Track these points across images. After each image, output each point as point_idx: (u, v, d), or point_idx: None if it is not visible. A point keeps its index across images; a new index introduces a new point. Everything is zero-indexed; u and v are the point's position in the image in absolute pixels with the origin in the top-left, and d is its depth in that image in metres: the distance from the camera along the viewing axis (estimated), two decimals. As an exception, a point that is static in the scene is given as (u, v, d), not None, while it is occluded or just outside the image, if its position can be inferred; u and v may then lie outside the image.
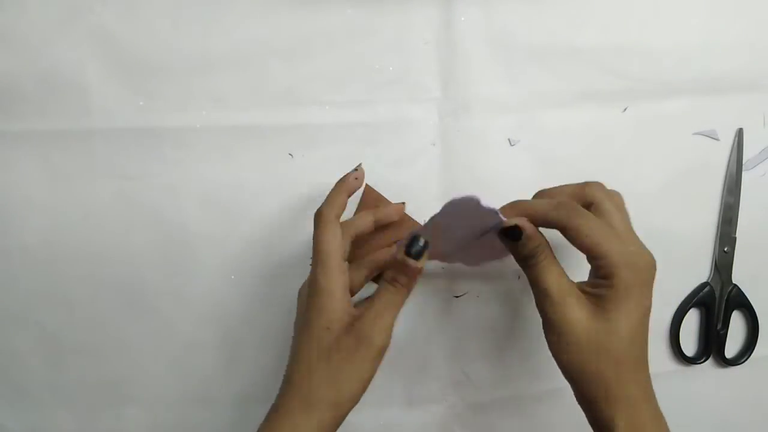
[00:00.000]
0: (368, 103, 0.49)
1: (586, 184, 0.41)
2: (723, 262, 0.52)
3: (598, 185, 0.41)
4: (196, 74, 0.48)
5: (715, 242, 0.52)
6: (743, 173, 0.52)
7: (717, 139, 0.52)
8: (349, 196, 0.43)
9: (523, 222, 0.38)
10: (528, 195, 0.50)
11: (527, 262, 0.39)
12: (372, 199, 0.48)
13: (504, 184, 0.50)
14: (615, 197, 0.41)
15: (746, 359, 0.53)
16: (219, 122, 0.49)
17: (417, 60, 0.49)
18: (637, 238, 0.39)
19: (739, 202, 0.52)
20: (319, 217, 0.41)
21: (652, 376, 0.49)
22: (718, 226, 0.52)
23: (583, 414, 0.52)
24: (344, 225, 0.43)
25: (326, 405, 0.38)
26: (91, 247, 0.49)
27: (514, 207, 0.40)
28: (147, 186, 0.49)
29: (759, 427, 0.55)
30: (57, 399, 0.51)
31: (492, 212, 0.38)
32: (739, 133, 0.52)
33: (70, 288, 0.50)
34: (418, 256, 0.38)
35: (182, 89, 0.48)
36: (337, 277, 0.39)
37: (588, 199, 0.40)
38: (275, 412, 0.39)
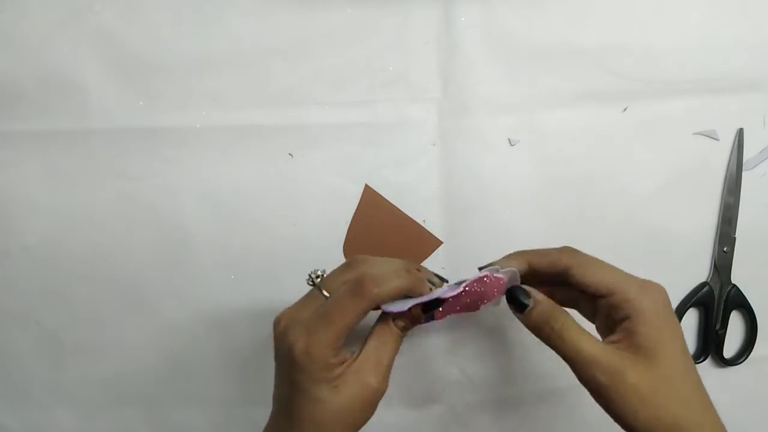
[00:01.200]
0: (368, 103, 0.49)
1: (560, 249, 0.39)
2: (722, 262, 0.52)
3: (572, 249, 0.39)
4: (196, 74, 0.48)
5: (715, 242, 0.52)
6: (743, 173, 0.52)
7: (717, 139, 0.52)
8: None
9: (530, 288, 0.37)
10: (528, 195, 0.50)
11: (545, 332, 0.37)
12: (371, 199, 0.48)
13: (504, 184, 0.50)
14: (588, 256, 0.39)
15: (745, 359, 0.53)
16: (219, 122, 0.49)
17: (417, 60, 0.49)
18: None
19: (739, 202, 0.52)
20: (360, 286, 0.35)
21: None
22: (717, 226, 0.52)
23: (582, 414, 0.53)
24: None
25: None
26: (91, 247, 0.49)
27: (518, 256, 0.39)
28: (147, 186, 0.49)
29: (758, 426, 0.55)
30: (57, 399, 0.51)
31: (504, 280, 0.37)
32: (739, 133, 0.52)
33: (70, 288, 0.50)
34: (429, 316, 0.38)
35: (182, 89, 0.48)
36: (334, 348, 0.35)
37: (564, 262, 0.38)
38: None
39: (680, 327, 0.37)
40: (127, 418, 0.51)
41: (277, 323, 0.36)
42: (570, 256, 0.37)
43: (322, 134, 0.49)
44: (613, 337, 0.36)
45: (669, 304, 0.36)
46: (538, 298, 0.37)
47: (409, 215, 0.47)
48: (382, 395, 0.37)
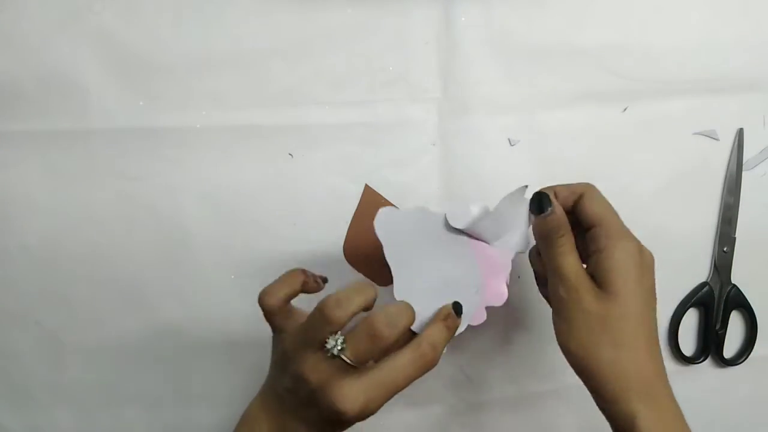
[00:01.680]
0: (368, 103, 0.49)
1: (579, 183, 0.41)
2: (722, 262, 0.52)
3: (593, 186, 0.41)
4: (196, 74, 0.48)
5: (715, 242, 0.52)
6: (743, 173, 0.52)
7: (717, 139, 0.52)
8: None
9: (553, 195, 0.39)
10: (528, 195, 0.50)
11: (549, 241, 0.39)
12: (371, 199, 0.48)
13: (504, 184, 0.50)
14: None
15: (745, 359, 0.53)
16: (219, 122, 0.49)
17: (417, 60, 0.49)
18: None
19: (739, 202, 0.52)
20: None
21: (651, 376, 0.49)
22: (717, 226, 0.52)
23: (582, 414, 0.53)
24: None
25: None
26: (91, 247, 0.49)
27: (547, 188, 0.41)
28: (147, 186, 0.49)
29: (757, 426, 0.55)
30: (57, 399, 0.51)
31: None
32: (739, 133, 0.52)
33: (70, 288, 0.50)
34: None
35: (182, 89, 0.48)
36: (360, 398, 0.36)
37: (581, 189, 0.40)
38: None
39: (651, 281, 0.38)
40: (127, 418, 0.51)
41: (316, 382, 0.35)
42: (589, 188, 0.40)
43: (322, 134, 0.49)
44: (587, 267, 0.39)
45: (646, 258, 0.38)
46: (557, 206, 0.39)
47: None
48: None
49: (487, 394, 0.52)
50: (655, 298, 0.38)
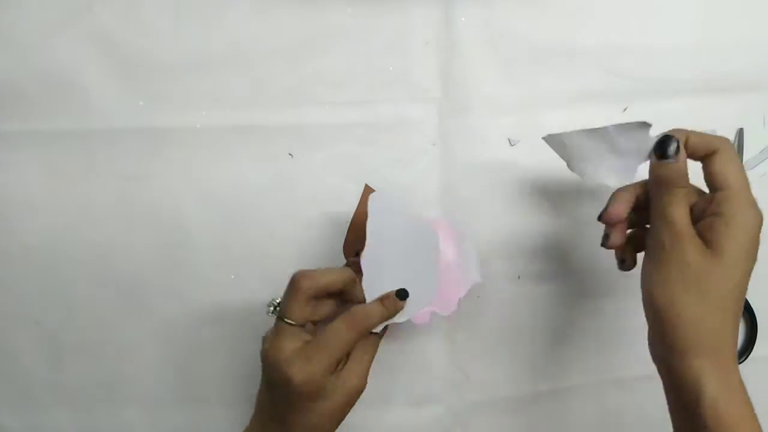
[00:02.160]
0: (368, 103, 0.49)
1: (715, 136, 0.40)
2: (722, 262, 0.52)
3: (730, 143, 0.40)
4: (196, 74, 0.48)
5: (715, 242, 0.52)
6: (743, 173, 0.52)
7: (717, 139, 0.52)
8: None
9: (683, 142, 0.38)
10: (528, 195, 0.50)
11: (665, 188, 0.37)
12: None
13: (504, 184, 0.50)
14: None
15: (745, 359, 0.53)
16: (219, 122, 0.49)
17: (417, 60, 0.49)
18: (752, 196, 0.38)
19: (739, 202, 0.52)
20: (293, 291, 0.40)
21: (650, 377, 0.49)
22: (717, 226, 0.52)
23: (582, 414, 0.53)
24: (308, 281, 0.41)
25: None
26: (91, 247, 0.49)
27: (680, 131, 0.40)
28: (147, 186, 0.49)
29: (758, 426, 0.55)
30: (57, 399, 0.51)
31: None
32: (739, 133, 0.52)
33: (70, 288, 0.50)
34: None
35: (182, 89, 0.48)
36: (305, 367, 0.38)
37: (715, 146, 0.39)
38: None
39: (757, 252, 0.37)
40: (127, 418, 0.51)
41: (265, 356, 0.39)
42: (724, 144, 0.38)
43: (322, 134, 0.49)
44: (698, 225, 0.37)
45: (758, 235, 0.37)
46: (682, 156, 0.38)
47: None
48: (363, 389, 0.40)
49: (487, 394, 0.52)
50: (754, 266, 0.37)
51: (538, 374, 0.52)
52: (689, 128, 0.39)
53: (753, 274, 0.52)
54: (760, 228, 0.37)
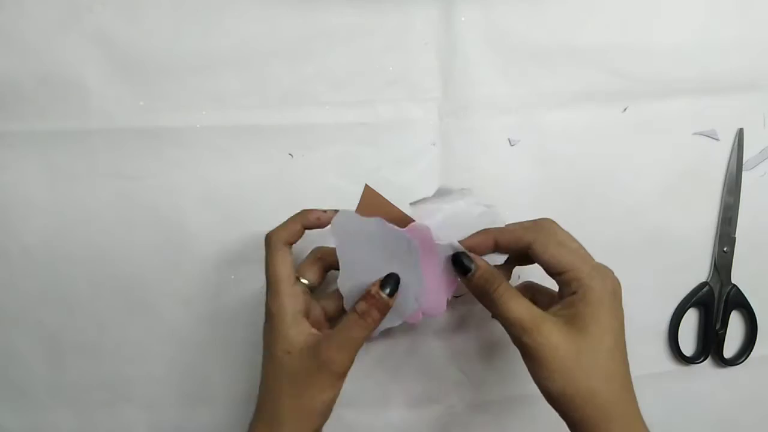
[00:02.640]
0: (368, 103, 0.49)
1: (536, 221, 0.41)
2: (722, 262, 0.52)
3: (547, 220, 0.40)
4: (196, 74, 0.48)
5: (715, 242, 0.52)
6: (743, 173, 0.52)
7: (717, 139, 0.52)
8: (306, 229, 0.42)
9: (473, 254, 0.40)
10: (528, 195, 0.51)
11: (486, 297, 0.38)
12: (372, 199, 0.48)
13: (504, 184, 0.50)
14: (562, 229, 0.40)
15: (745, 359, 0.53)
16: (219, 122, 0.49)
17: (417, 60, 0.49)
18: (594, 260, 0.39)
19: (739, 202, 0.52)
20: (267, 240, 0.41)
21: (650, 376, 0.49)
22: (717, 226, 0.52)
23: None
24: (320, 250, 0.44)
25: (292, 424, 0.38)
26: (91, 247, 0.49)
27: (486, 231, 0.41)
28: (147, 186, 0.49)
29: (757, 426, 0.55)
30: (57, 399, 0.51)
31: (445, 246, 0.40)
32: (739, 133, 0.52)
33: (70, 288, 0.50)
34: (392, 294, 0.39)
35: (182, 89, 0.48)
36: (286, 301, 0.39)
37: (526, 239, 0.39)
38: None
39: (622, 314, 0.38)
40: (127, 418, 0.51)
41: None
42: (533, 233, 0.39)
43: (322, 134, 0.49)
44: (554, 308, 0.38)
45: (618, 290, 0.38)
46: (479, 263, 0.39)
47: (409, 215, 0.47)
48: (341, 375, 0.39)
49: (487, 394, 0.52)
50: (624, 325, 0.38)
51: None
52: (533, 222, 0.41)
53: (753, 275, 0.52)
54: (617, 285, 0.38)
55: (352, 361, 0.39)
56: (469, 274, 0.39)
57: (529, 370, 0.38)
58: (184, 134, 0.49)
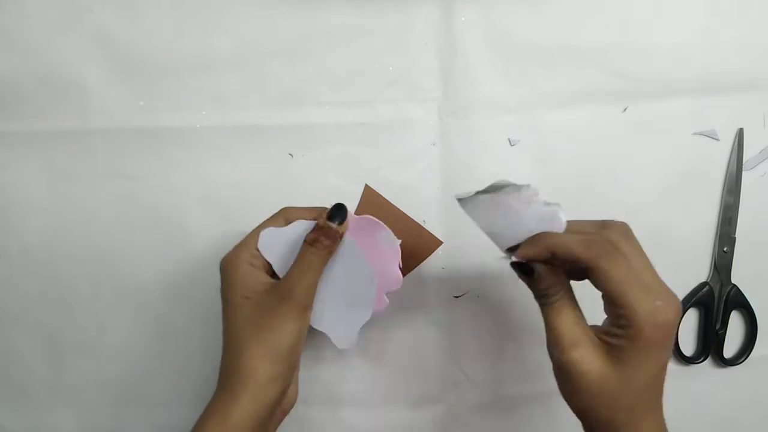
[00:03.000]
0: (368, 103, 0.49)
1: (604, 223, 0.38)
2: (722, 262, 0.52)
3: (618, 226, 0.37)
4: (196, 74, 0.48)
5: (715, 242, 0.52)
6: (743, 173, 0.52)
7: (717, 139, 0.52)
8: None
9: (538, 258, 0.37)
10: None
11: (540, 301, 0.38)
12: (372, 199, 0.48)
13: (504, 184, 0.50)
14: (633, 240, 0.37)
15: (745, 359, 0.53)
16: (219, 122, 0.49)
17: (417, 60, 0.49)
18: (662, 283, 0.35)
19: (739, 202, 0.52)
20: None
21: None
22: (717, 226, 0.52)
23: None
24: (285, 212, 0.43)
25: (258, 366, 0.37)
26: (91, 247, 0.49)
27: (543, 239, 0.37)
28: (147, 186, 0.49)
29: (757, 426, 0.55)
30: (57, 399, 0.51)
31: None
32: (739, 133, 0.52)
33: (70, 288, 0.50)
34: (340, 222, 0.40)
35: (182, 89, 0.48)
36: (245, 254, 0.40)
37: (586, 261, 0.35)
38: (213, 395, 0.38)
39: (671, 343, 0.36)
40: (127, 418, 0.51)
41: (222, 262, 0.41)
42: (596, 250, 0.35)
43: (322, 134, 0.49)
44: (600, 328, 0.36)
45: (673, 326, 0.34)
46: (540, 270, 0.37)
47: (409, 215, 0.47)
48: (302, 306, 0.38)
49: (487, 394, 0.52)
50: (668, 361, 0.36)
51: (538, 374, 0.52)
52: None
53: (753, 275, 0.52)
54: (674, 317, 0.34)
55: (313, 290, 0.39)
56: (530, 278, 0.37)
57: (557, 383, 0.37)
58: (184, 134, 0.49)
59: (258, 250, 0.41)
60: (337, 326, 0.42)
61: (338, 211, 0.40)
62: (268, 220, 0.42)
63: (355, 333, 0.42)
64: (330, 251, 0.40)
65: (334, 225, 0.39)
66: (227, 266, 0.40)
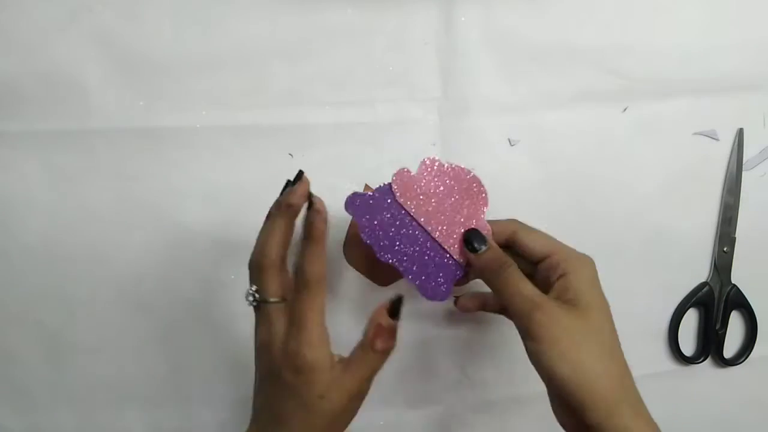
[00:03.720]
0: (368, 103, 0.49)
1: (506, 220, 0.42)
2: (722, 262, 0.52)
3: (516, 220, 0.42)
4: (196, 74, 0.48)
5: (715, 242, 0.52)
6: (743, 173, 0.52)
7: (717, 139, 0.52)
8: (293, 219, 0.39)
9: (488, 236, 0.41)
10: (528, 195, 0.51)
11: (496, 274, 0.38)
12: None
13: (504, 184, 0.50)
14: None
15: (745, 359, 0.53)
16: (219, 122, 0.49)
17: (417, 60, 0.49)
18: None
19: (739, 202, 0.52)
20: (258, 271, 0.37)
21: (650, 376, 0.49)
22: (717, 226, 0.52)
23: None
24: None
25: None
26: (91, 247, 0.49)
27: (512, 223, 0.42)
28: (147, 186, 0.49)
29: (757, 426, 0.55)
30: (57, 399, 0.51)
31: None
32: (739, 133, 0.52)
33: (70, 288, 0.50)
34: (398, 317, 0.37)
35: (182, 89, 0.48)
36: (322, 347, 0.35)
37: (511, 228, 0.41)
38: None
39: (607, 300, 0.38)
40: (127, 418, 0.51)
41: (262, 344, 0.37)
42: (515, 224, 0.41)
43: (322, 134, 0.49)
44: (551, 294, 0.38)
45: (598, 275, 0.39)
46: (492, 243, 0.40)
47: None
48: (365, 397, 0.38)
49: (487, 394, 0.52)
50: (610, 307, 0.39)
51: (537, 374, 0.52)
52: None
53: (753, 275, 0.53)
54: (594, 266, 0.39)
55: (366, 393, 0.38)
56: (481, 251, 0.40)
57: (534, 354, 0.37)
58: (184, 134, 0.49)
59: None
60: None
61: (399, 304, 0.37)
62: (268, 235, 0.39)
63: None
64: (390, 352, 0.37)
65: (396, 323, 0.36)
66: (314, 365, 0.35)
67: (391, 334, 0.36)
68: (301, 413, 0.35)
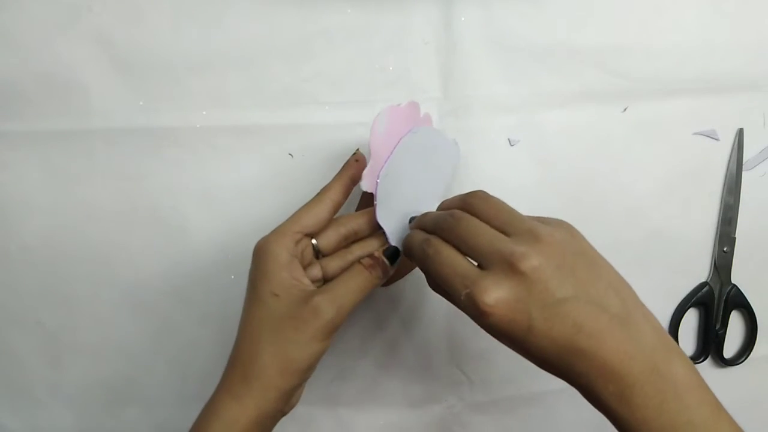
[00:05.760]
0: (368, 103, 0.49)
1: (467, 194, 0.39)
2: (722, 262, 0.52)
3: (477, 193, 0.38)
4: (196, 74, 0.48)
5: (715, 242, 0.52)
6: (743, 173, 0.52)
7: (717, 139, 0.52)
8: (354, 183, 0.41)
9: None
10: (528, 195, 0.51)
11: (422, 261, 0.36)
12: (371, 199, 0.48)
13: (504, 184, 0.50)
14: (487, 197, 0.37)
15: (745, 359, 0.53)
16: (219, 122, 0.49)
17: (417, 60, 0.49)
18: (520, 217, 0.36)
19: (739, 202, 0.52)
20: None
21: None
22: (717, 226, 0.52)
23: (582, 414, 0.52)
24: (342, 218, 0.42)
25: (270, 375, 0.35)
26: (91, 247, 0.49)
27: (417, 221, 0.39)
28: (147, 186, 0.49)
29: (757, 426, 0.54)
30: (57, 399, 0.51)
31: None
32: (739, 133, 0.52)
33: (70, 288, 0.50)
34: (393, 263, 0.39)
35: (182, 89, 0.48)
36: (286, 241, 0.37)
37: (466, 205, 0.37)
38: (216, 390, 0.37)
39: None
40: (127, 418, 0.51)
41: (263, 244, 0.39)
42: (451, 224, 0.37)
43: (322, 134, 0.49)
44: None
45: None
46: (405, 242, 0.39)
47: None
48: (332, 328, 0.37)
49: (487, 394, 0.52)
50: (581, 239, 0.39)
51: (537, 374, 0.51)
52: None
53: (753, 275, 0.52)
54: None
55: (343, 318, 0.37)
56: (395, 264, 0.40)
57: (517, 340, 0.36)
58: (184, 134, 0.49)
59: (299, 233, 0.38)
60: (400, 228, 0.41)
61: (395, 254, 0.39)
62: (311, 202, 0.40)
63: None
64: (378, 284, 0.38)
65: (388, 265, 0.39)
66: (264, 251, 0.37)
67: (383, 266, 0.38)
68: (252, 308, 0.37)
